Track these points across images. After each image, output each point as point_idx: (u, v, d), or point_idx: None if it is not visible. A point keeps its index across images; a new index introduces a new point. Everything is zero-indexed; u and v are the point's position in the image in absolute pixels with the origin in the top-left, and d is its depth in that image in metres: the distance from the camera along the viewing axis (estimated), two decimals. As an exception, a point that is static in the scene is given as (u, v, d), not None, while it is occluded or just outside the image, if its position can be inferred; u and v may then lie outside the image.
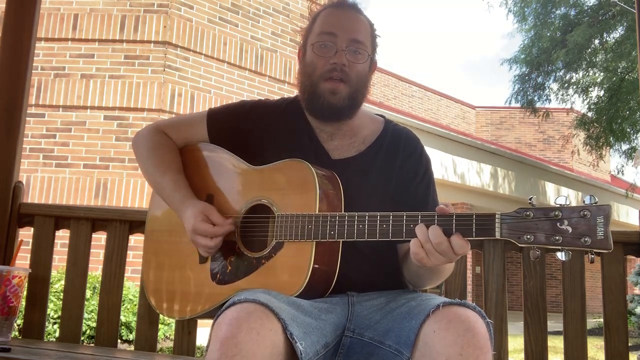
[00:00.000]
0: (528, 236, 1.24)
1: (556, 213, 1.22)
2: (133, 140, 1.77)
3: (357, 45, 1.55)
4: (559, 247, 1.22)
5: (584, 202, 1.22)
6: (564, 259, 1.23)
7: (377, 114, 1.73)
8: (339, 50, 1.53)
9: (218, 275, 1.54)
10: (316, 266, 1.40)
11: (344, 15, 1.59)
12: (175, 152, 1.70)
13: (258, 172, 1.56)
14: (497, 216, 1.26)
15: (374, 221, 1.36)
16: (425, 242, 1.27)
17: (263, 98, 1.81)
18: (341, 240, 1.40)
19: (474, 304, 1.28)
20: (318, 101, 1.55)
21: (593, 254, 1.22)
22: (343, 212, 1.43)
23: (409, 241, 1.48)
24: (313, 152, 1.59)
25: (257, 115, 1.67)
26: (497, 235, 1.26)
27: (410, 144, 1.65)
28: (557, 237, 1.21)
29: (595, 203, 1.21)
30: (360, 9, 1.62)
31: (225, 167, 1.64)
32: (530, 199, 1.26)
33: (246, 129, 1.66)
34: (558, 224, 1.22)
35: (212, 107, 1.78)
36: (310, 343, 1.24)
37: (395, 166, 1.60)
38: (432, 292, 1.67)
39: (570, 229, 1.21)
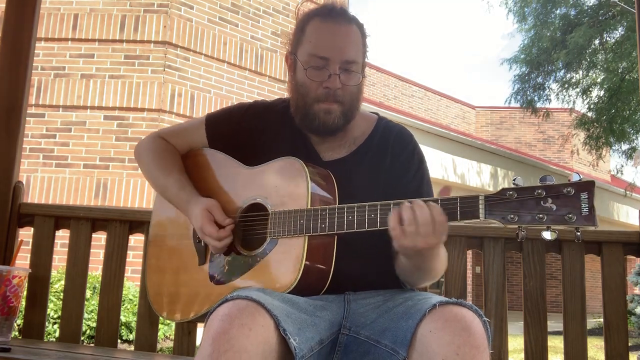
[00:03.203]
0: (512, 216, 1.23)
1: (539, 192, 1.21)
2: (135, 148, 1.80)
3: (349, 66, 1.53)
4: (544, 226, 1.21)
5: (569, 180, 1.21)
6: (549, 238, 1.21)
7: (372, 112, 1.73)
8: (332, 75, 1.51)
9: (216, 276, 1.56)
10: (309, 262, 1.41)
11: (335, 31, 1.54)
12: (177, 156, 1.74)
13: (253, 172, 1.59)
14: (480, 198, 1.26)
15: (362, 211, 1.37)
16: (406, 217, 1.28)
17: (260, 99, 1.81)
18: (332, 232, 1.41)
19: (471, 303, 1.28)
20: (313, 121, 1.56)
21: (579, 231, 1.22)
22: (334, 205, 1.44)
23: None
24: (305, 154, 1.60)
25: (254, 117, 1.69)
26: (482, 217, 1.25)
27: (402, 141, 1.64)
28: (541, 216, 1.21)
29: (580, 180, 1.20)
30: (350, 14, 1.58)
31: (221, 169, 1.67)
32: (514, 180, 1.25)
33: (244, 131, 1.68)
34: (542, 202, 1.21)
35: (210, 112, 1.80)
36: (304, 339, 1.24)
37: (384, 164, 1.60)
38: (432, 292, 1.67)
39: (554, 207, 1.20)
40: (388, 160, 1.60)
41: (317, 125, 1.56)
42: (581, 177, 1.21)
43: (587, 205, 1.18)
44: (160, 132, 1.80)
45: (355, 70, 1.54)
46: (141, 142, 1.80)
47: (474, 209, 1.26)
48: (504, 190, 1.25)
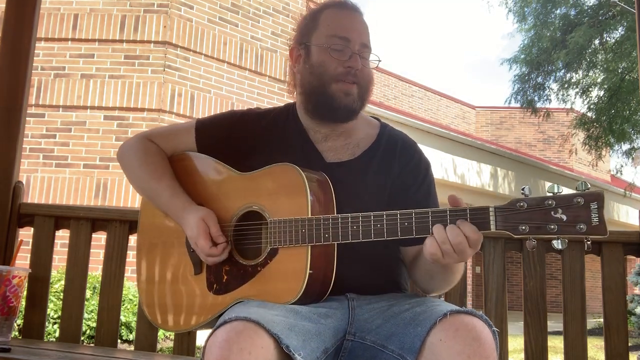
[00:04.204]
0: (523, 227, 1.23)
1: (549, 202, 1.22)
2: (120, 149, 1.73)
3: (365, 50, 1.57)
4: (555, 236, 1.22)
5: (576, 188, 1.22)
6: (560, 247, 1.23)
7: (372, 116, 1.72)
8: (353, 54, 1.53)
9: (215, 285, 1.52)
10: (312, 271, 1.39)
11: (352, 17, 1.59)
12: (166, 159, 1.68)
13: (247, 179, 1.54)
14: (490, 209, 1.26)
15: (367, 221, 1.35)
16: (443, 244, 1.26)
17: (261, 101, 1.81)
18: (336, 242, 1.39)
19: (473, 303, 1.27)
20: (331, 102, 1.54)
21: (589, 241, 1.22)
22: (336, 214, 1.41)
23: (415, 244, 1.47)
24: (306, 155, 1.58)
25: (247, 124, 1.66)
26: (493, 228, 1.25)
27: (407, 150, 1.63)
28: (552, 226, 1.21)
29: (588, 189, 1.21)
30: (361, 10, 1.62)
31: (214, 175, 1.63)
32: (523, 189, 1.25)
33: (236, 138, 1.64)
34: (552, 212, 1.21)
35: (200, 117, 1.76)
36: (309, 351, 1.23)
37: (392, 173, 1.58)
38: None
39: (564, 217, 1.21)
40: (396, 168, 1.59)
41: (335, 108, 1.54)
42: (587, 185, 1.21)
43: (597, 215, 1.19)
44: (147, 134, 1.73)
45: (369, 54, 1.58)
46: (126, 143, 1.72)
47: (484, 220, 1.26)
48: (514, 201, 1.24)
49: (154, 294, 1.66)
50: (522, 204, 1.24)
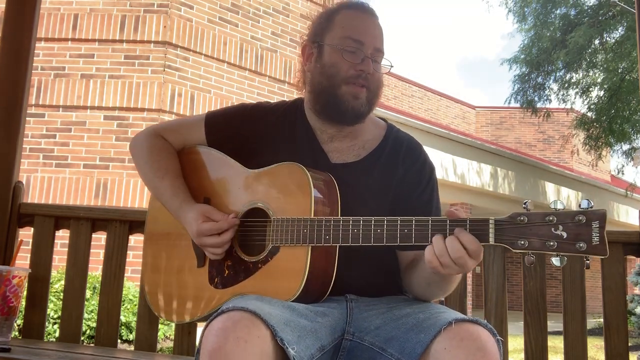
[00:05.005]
0: (522, 241, 1.22)
1: (551, 218, 1.20)
2: (130, 143, 1.75)
3: (379, 55, 1.56)
4: (554, 253, 1.21)
5: (579, 206, 1.20)
6: (558, 264, 1.21)
7: (379, 117, 1.71)
8: (365, 58, 1.52)
9: (216, 279, 1.53)
10: (312, 270, 1.40)
11: (368, 21, 1.57)
12: (173, 156, 1.69)
13: (254, 176, 1.55)
14: (490, 221, 1.25)
15: (368, 226, 1.35)
16: (442, 256, 1.25)
17: (263, 100, 1.80)
18: (336, 245, 1.40)
19: (486, 320, 1.27)
20: (340, 105, 1.53)
21: (588, 259, 1.21)
22: (338, 217, 1.41)
23: (412, 249, 1.46)
24: (312, 155, 1.58)
25: (256, 119, 1.66)
26: (491, 241, 1.24)
27: (413, 153, 1.62)
28: (551, 243, 1.20)
29: (591, 207, 1.19)
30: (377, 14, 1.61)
31: (222, 170, 1.64)
32: (525, 204, 1.24)
33: (245, 133, 1.65)
34: (553, 229, 1.20)
35: (211, 110, 1.77)
36: (304, 347, 1.23)
37: (396, 175, 1.58)
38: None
39: (565, 234, 1.19)
40: (400, 171, 1.58)
41: (343, 110, 1.53)
42: (591, 203, 1.20)
43: (598, 235, 1.17)
44: (157, 128, 1.75)
45: (382, 59, 1.57)
46: (137, 137, 1.75)
47: (483, 232, 1.25)
48: (514, 214, 1.23)
49: (157, 284, 1.69)
50: (522, 218, 1.22)
